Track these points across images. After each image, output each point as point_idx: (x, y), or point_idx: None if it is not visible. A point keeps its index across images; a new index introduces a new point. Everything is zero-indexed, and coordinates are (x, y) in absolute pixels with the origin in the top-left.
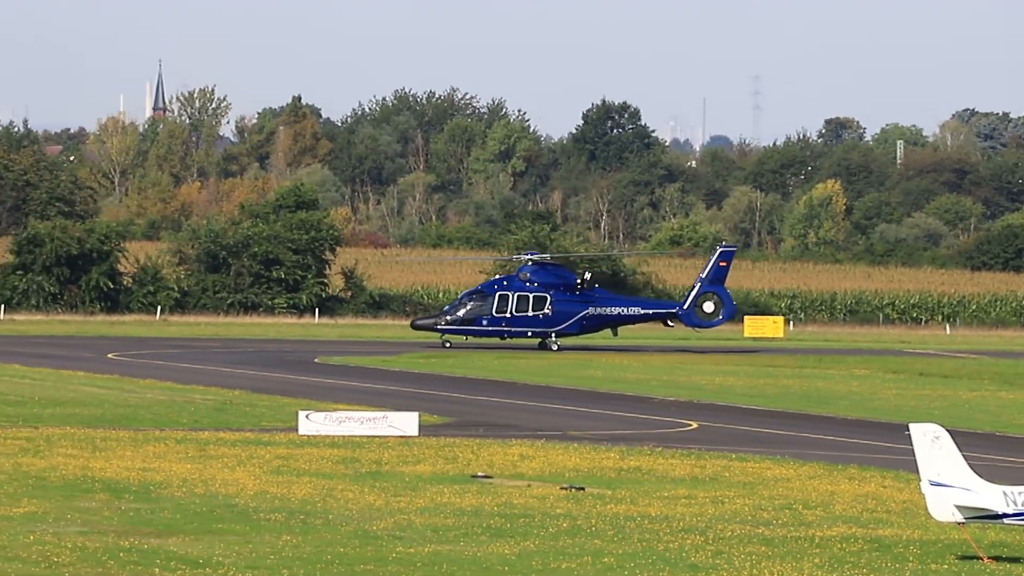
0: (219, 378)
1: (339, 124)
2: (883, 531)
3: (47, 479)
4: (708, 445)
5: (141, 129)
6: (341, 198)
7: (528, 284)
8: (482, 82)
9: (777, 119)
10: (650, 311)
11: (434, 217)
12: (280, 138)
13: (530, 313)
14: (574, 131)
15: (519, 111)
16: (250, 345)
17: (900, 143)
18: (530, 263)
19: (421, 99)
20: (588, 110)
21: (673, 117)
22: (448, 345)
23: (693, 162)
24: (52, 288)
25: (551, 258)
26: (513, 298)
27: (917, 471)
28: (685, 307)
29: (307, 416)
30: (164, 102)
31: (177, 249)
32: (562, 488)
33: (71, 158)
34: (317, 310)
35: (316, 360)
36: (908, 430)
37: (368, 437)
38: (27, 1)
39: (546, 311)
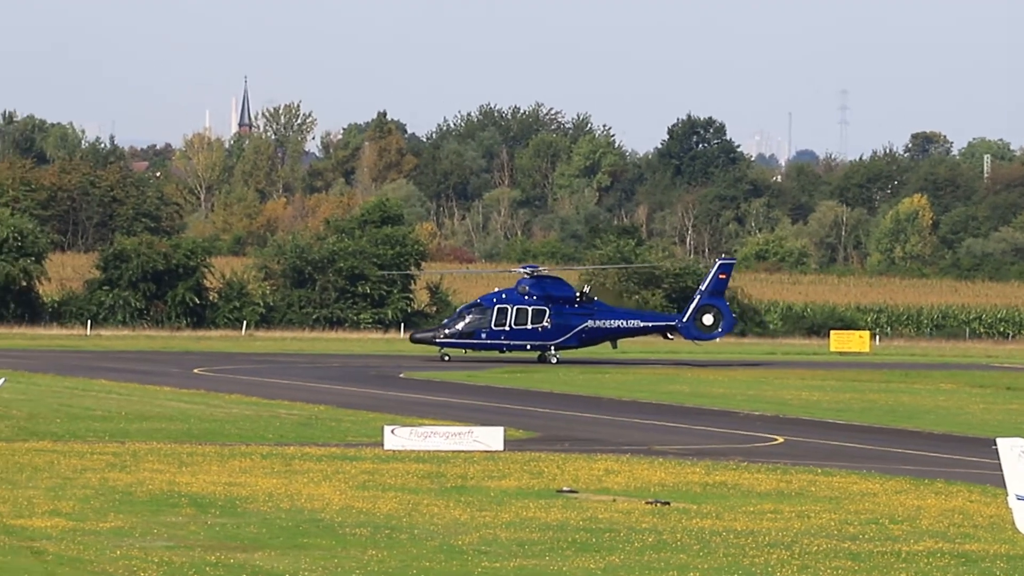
0: (305, 393)
1: (424, 139)
2: (970, 546)
3: (134, 494)
4: (794, 459)
5: (227, 145)
6: (426, 213)
7: (527, 297)
8: (567, 97)
9: (863, 133)
10: (649, 324)
11: (519, 232)
12: (365, 153)
13: (529, 326)
14: (659, 146)
15: (604, 126)
16: (335, 360)
17: (987, 157)
18: (528, 276)
19: (506, 114)
20: (673, 125)
21: (759, 131)
22: (447, 359)
23: (779, 177)
24: (138, 303)
25: (547, 271)
26: (512, 311)
27: (1004, 485)
28: (684, 320)
29: (393, 431)
30: (250, 118)
31: (263, 264)
32: (647, 503)
33: (157, 174)
34: (402, 325)
35: (401, 375)
36: (995, 444)
37: (453, 452)
38: (115, 19)
39: (545, 324)
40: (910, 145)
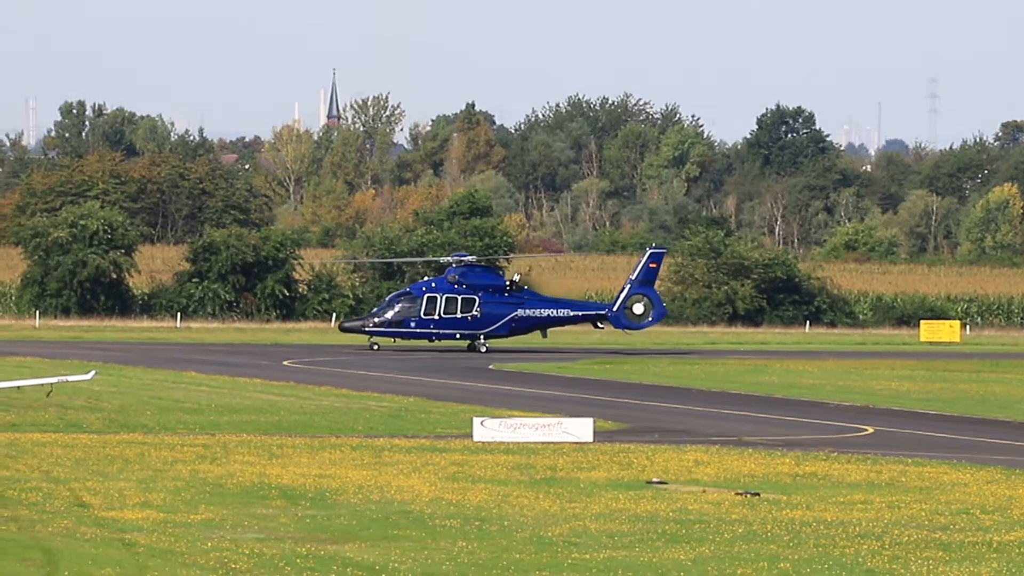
0: (394, 385)
1: (513, 131)
2: None
3: (224, 486)
4: (884, 450)
5: (315, 137)
6: (515, 204)
7: (456, 286)
8: (656, 88)
9: (953, 122)
10: (579, 313)
11: (608, 223)
12: (454, 145)
13: (459, 315)
14: (748, 136)
15: (693, 116)
16: (425, 352)
17: None
18: (458, 264)
19: (595, 105)
20: (762, 115)
21: (848, 121)
22: (376, 348)
23: (868, 166)
24: (228, 296)
25: (478, 260)
26: (441, 300)
27: None
28: (615, 309)
29: (482, 423)
30: (338, 110)
31: (352, 256)
32: (737, 493)
33: (246, 166)
34: None
35: (491, 366)
36: None
37: (543, 443)
38: (204, 12)
39: (475, 313)
40: (1000, 134)
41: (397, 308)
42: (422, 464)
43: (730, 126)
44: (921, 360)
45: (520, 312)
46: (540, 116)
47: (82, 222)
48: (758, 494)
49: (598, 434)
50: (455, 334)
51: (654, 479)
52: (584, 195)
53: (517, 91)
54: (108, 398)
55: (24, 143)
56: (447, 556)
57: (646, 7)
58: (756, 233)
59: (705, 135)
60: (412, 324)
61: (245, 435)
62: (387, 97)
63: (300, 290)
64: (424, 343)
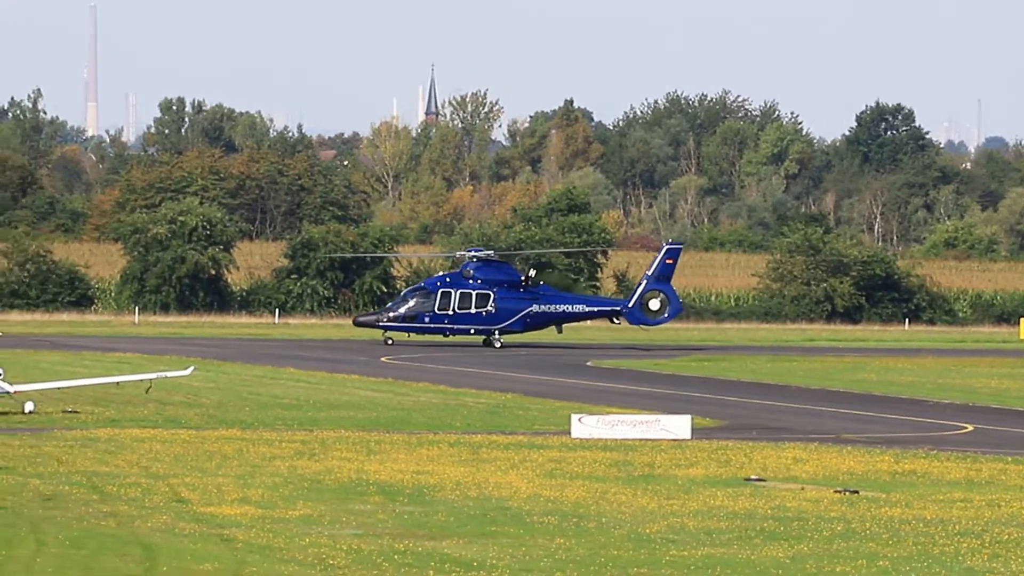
0: (492, 381)
1: (611, 127)
2: None
3: (322, 482)
4: (984, 448)
5: (414, 133)
6: (613, 201)
7: (471, 281)
8: (755, 84)
9: None
10: (595, 308)
11: (706, 220)
12: (552, 141)
13: (473, 310)
14: (847, 133)
15: (792, 113)
16: (522, 348)
17: None
18: (474, 259)
19: (693, 102)
20: (861, 112)
21: (947, 118)
22: (390, 342)
23: (968, 164)
24: (326, 292)
25: (496, 255)
26: (456, 295)
27: None
28: (631, 305)
29: (580, 419)
30: (437, 106)
31: (450, 253)
32: (836, 491)
33: (345, 163)
34: None
35: (588, 363)
36: None
37: (641, 440)
38: (302, 9)
39: (489, 308)
40: None
41: (412, 303)
42: (520, 461)
43: (829, 123)
44: (1021, 358)
45: (535, 307)
46: (639, 113)
47: (181, 218)
48: (857, 492)
49: (696, 431)
50: (469, 329)
51: (752, 476)
52: (682, 192)
53: (616, 88)
54: (207, 394)
55: (124, 139)
56: (545, 553)
57: (745, 4)
58: (855, 230)
59: (804, 132)
60: (426, 319)
61: (343, 431)
62: (485, 94)
63: (398, 286)
64: (439, 337)
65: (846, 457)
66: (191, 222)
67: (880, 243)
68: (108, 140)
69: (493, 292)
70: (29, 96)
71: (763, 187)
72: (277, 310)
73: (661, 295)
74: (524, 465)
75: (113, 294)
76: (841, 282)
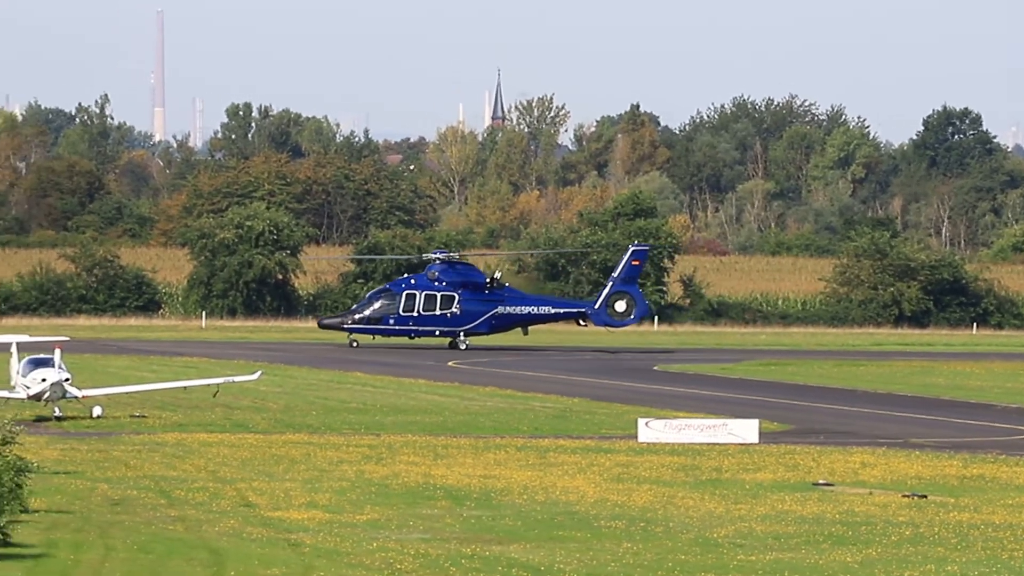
0: (559, 386)
1: (677, 132)
2: None
3: (389, 486)
4: None
5: (480, 138)
6: (679, 205)
7: (436, 283)
8: (821, 89)
9: None
10: (561, 310)
11: (773, 224)
12: (618, 146)
13: (438, 312)
14: (914, 137)
15: (858, 118)
16: (589, 353)
17: None
18: (438, 262)
19: (760, 106)
20: (929, 116)
21: (1015, 123)
22: (355, 344)
23: None
24: None
25: (459, 257)
26: (420, 297)
27: None
28: (596, 306)
29: (647, 423)
30: (503, 111)
31: (516, 257)
32: (904, 496)
33: (411, 167)
34: (655, 317)
35: (655, 368)
36: None
37: (708, 444)
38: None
39: (454, 310)
40: None
41: (376, 305)
42: (587, 465)
43: (896, 127)
44: None
45: (500, 309)
46: (705, 117)
47: (248, 223)
48: (925, 496)
49: (763, 435)
50: (435, 331)
51: (820, 481)
52: (749, 196)
53: (682, 92)
54: (274, 398)
55: (191, 144)
56: (612, 557)
57: (812, 9)
58: (922, 234)
59: (871, 136)
60: (391, 321)
61: (410, 435)
62: (552, 98)
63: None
64: (404, 340)
65: (914, 461)
66: (258, 227)
67: (947, 247)
68: (175, 145)
69: (458, 294)
70: (97, 102)
71: (830, 191)
72: None
73: (627, 297)
74: (591, 469)
75: (180, 299)
76: (909, 286)
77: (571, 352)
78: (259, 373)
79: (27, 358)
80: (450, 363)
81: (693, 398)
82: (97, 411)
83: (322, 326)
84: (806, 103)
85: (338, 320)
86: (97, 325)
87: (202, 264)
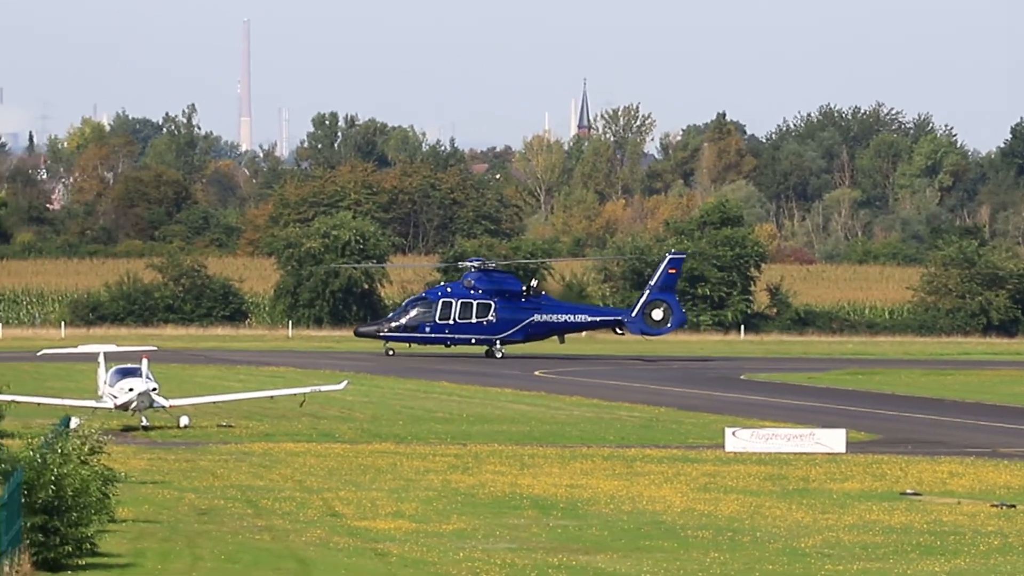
0: (645, 395)
1: (763, 140)
2: None
3: (476, 496)
4: None
5: (566, 147)
6: (766, 214)
7: (473, 291)
8: (908, 97)
9: None
10: (598, 319)
11: (859, 233)
12: (705, 155)
13: (474, 320)
14: (1002, 145)
15: (946, 126)
16: (675, 362)
17: None
18: (474, 270)
19: (846, 114)
20: (1017, 124)
21: None
22: (391, 353)
23: None
24: None
25: (495, 265)
26: (457, 305)
27: None
28: (633, 315)
29: (734, 433)
30: (589, 120)
31: (603, 266)
32: (993, 505)
33: (497, 176)
34: (742, 327)
35: (742, 377)
36: None
37: (795, 454)
38: (454, 23)
39: (490, 318)
40: None
41: (412, 313)
42: (674, 474)
43: (984, 136)
44: None
45: (537, 317)
46: (791, 126)
47: (334, 232)
48: (1014, 506)
49: (851, 445)
50: (471, 339)
51: (908, 491)
52: (836, 205)
53: (768, 101)
54: (360, 408)
55: (277, 154)
56: (699, 567)
57: (899, 17)
58: (1011, 243)
59: (958, 144)
60: (427, 329)
61: (496, 445)
62: (638, 107)
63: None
64: (441, 348)
65: (1003, 471)
66: (344, 236)
67: None
68: (261, 155)
69: (494, 302)
70: (183, 111)
71: (917, 200)
72: None
73: (664, 305)
74: (678, 479)
75: (267, 308)
76: (997, 295)
77: (657, 362)
78: (345, 383)
79: (114, 368)
80: (536, 372)
81: (780, 407)
82: (184, 421)
83: (358, 334)
84: (893, 111)
85: (374, 328)
86: (184, 335)
87: (288, 274)
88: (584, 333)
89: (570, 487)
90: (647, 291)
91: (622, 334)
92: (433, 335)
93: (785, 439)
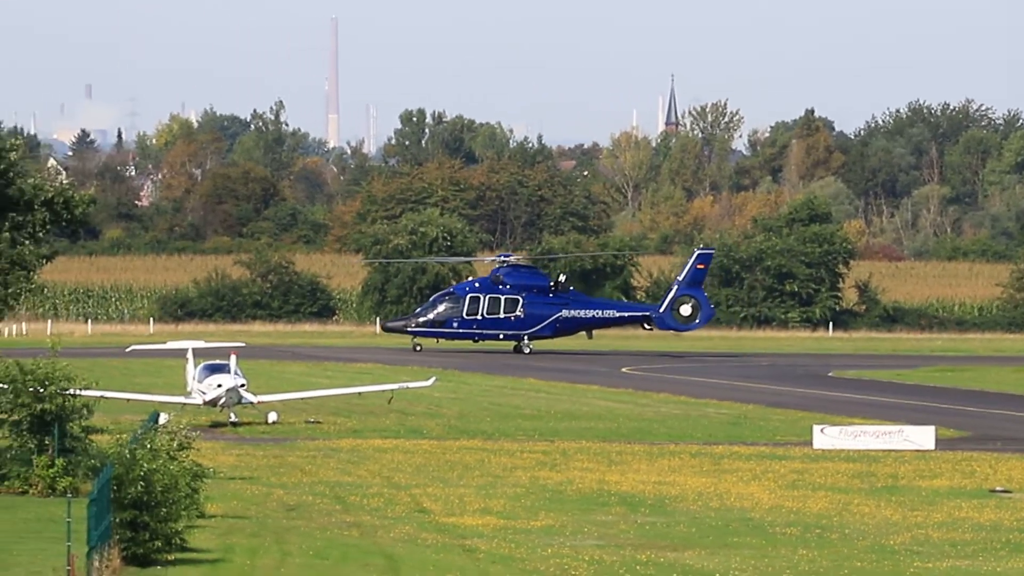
0: (733, 392)
1: (852, 137)
2: None
3: (564, 492)
4: None
5: (654, 143)
6: (854, 211)
7: (500, 286)
8: (998, 93)
9: None
10: (625, 314)
11: (948, 229)
12: (793, 151)
13: (502, 315)
14: None
15: None
16: (763, 359)
17: None
18: (503, 265)
19: (936, 111)
20: None
21: None
22: (419, 348)
23: None
24: None
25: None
26: (485, 300)
27: None
28: (661, 310)
29: (822, 430)
30: (676, 116)
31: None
32: None
33: (584, 173)
34: (830, 324)
35: (830, 374)
36: None
37: (884, 451)
38: (542, 20)
39: (518, 313)
40: None
41: (440, 308)
42: (762, 472)
43: None
44: None
45: (564, 313)
46: (880, 122)
47: (422, 229)
48: None
49: (940, 442)
50: (498, 334)
51: (998, 488)
52: (925, 201)
53: (857, 97)
54: (448, 404)
55: (365, 151)
56: (787, 564)
57: (990, 13)
58: None
59: None
60: (455, 324)
61: (584, 442)
62: (725, 103)
63: (638, 297)
64: (468, 343)
65: None
66: (431, 233)
67: None
68: (349, 151)
69: (522, 297)
70: (271, 108)
71: (1007, 196)
72: None
73: (693, 300)
74: (766, 476)
75: (354, 304)
76: None
77: (745, 358)
78: (433, 379)
79: (203, 364)
80: (623, 369)
81: (868, 404)
82: (272, 417)
83: (386, 329)
84: (982, 107)
85: (402, 323)
86: (272, 331)
87: (376, 270)
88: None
89: (658, 484)
90: (675, 286)
91: (650, 329)
92: (461, 330)
93: (874, 436)
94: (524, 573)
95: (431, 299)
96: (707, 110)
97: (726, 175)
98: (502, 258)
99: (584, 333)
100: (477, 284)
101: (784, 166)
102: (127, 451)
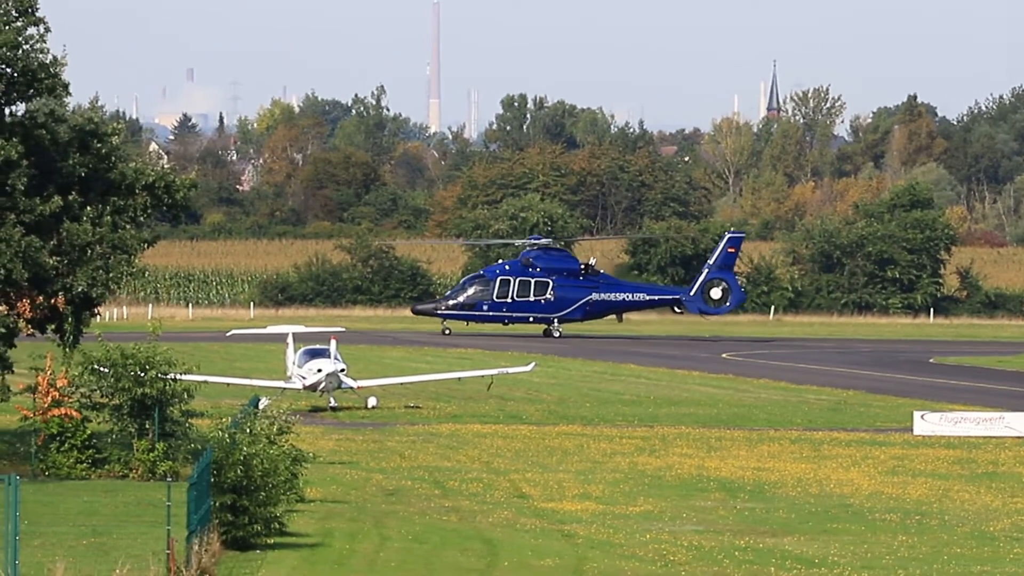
0: (833, 378)
1: (955, 122)
2: None
3: (663, 478)
4: None
5: (755, 129)
6: (956, 197)
7: (531, 269)
8: None
9: None
10: (655, 297)
11: None
12: (895, 137)
13: (532, 298)
14: None
15: None
16: (864, 345)
17: None
18: (533, 248)
19: None
20: None
21: None
22: (448, 332)
23: None
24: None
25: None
26: (515, 283)
27: None
28: (692, 293)
29: (922, 416)
30: (778, 102)
31: (791, 249)
32: None
33: (686, 159)
34: (932, 310)
35: (931, 360)
36: None
37: (984, 437)
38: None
39: (548, 296)
40: None
41: (470, 291)
42: (861, 458)
43: None
44: None
45: (595, 296)
46: (983, 108)
47: (522, 214)
48: None
49: None
50: (528, 317)
51: None
52: None
53: (960, 83)
54: (547, 390)
55: (466, 136)
56: (887, 550)
57: None
58: None
59: None
60: (485, 307)
61: (683, 427)
62: (827, 89)
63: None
64: (499, 326)
65: None
66: (532, 218)
67: None
68: (450, 136)
69: (552, 280)
70: (373, 93)
71: None
72: None
73: (723, 284)
74: (866, 462)
75: None
76: None
77: (846, 343)
78: (533, 364)
79: (303, 349)
80: (724, 355)
81: (969, 391)
82: (372, 402)
83: (416, 312)
84: None
85: (432, 306)
86: (372, 316)
87: (476, 255)
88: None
89: (757, 470)
90: (706, 270)
91: (680, 313)
92: (491, 313)
93: (974, 423)
94: (622, 559)
95: (461, 282)
96: (809, 95)
97: (827, 161)
98: (532, 240)
99: (614, 317)
100: (507, 267)
101: (886, 152)
102: (227, 435)
